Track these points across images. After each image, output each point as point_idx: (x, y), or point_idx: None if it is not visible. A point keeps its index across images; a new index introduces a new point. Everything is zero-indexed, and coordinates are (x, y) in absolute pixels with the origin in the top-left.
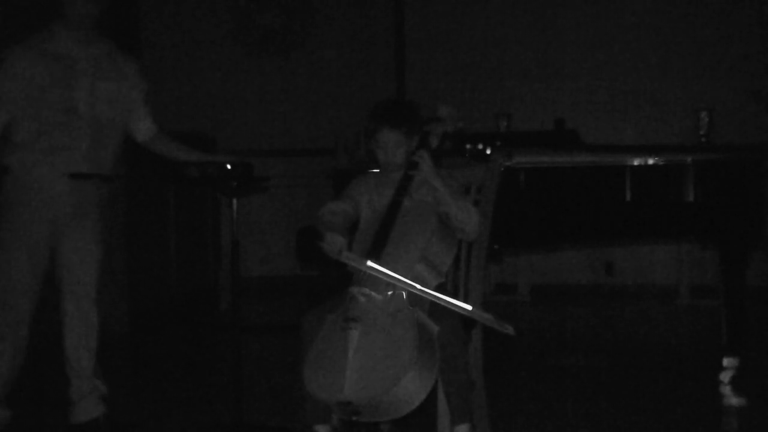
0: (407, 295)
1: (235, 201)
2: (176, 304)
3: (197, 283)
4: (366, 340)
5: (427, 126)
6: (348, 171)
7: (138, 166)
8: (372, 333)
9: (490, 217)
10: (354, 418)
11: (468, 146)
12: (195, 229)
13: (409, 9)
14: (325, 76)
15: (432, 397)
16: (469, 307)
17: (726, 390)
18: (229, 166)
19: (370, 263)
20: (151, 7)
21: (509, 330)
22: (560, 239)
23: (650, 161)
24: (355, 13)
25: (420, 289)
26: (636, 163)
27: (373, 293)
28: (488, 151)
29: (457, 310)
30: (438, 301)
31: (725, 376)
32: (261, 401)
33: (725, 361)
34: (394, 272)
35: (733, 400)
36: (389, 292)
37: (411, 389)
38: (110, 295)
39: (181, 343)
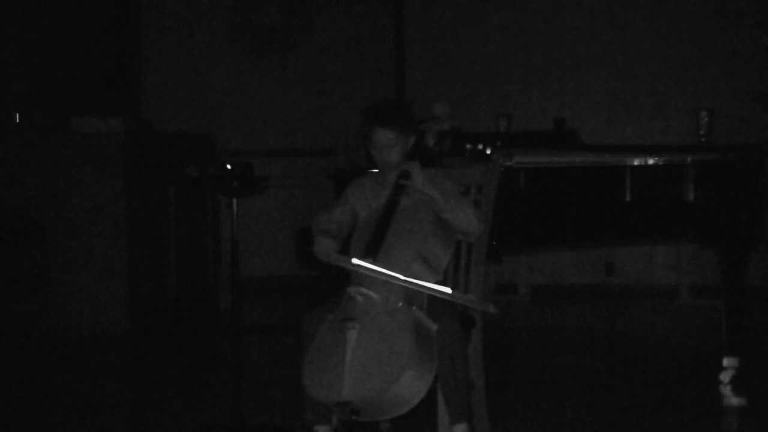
0: (405, 295)
1: (235, 201)
2: (176, 304)
3: (197, 283)
4: (364, 340)
5: (423, 125)
6: (348, 171)
7: (138, 166)
8: (370, 332)
9: (490, 217)
10: (353, 418)
11: (468, 146)
12: (195, 229)
13: (409, 9)
14: (325, 76)
15: (432, 396)
16: (448, 291)
17: (726, 390)
18: (229, 166)
19: (355, 260)
20: (151, 7)
21: (491, 308)
22: (560, 239)
23: (650, 161)
24: (355, 13)
25: (404, 279)
26: (636, 163)
27: (371, 293)
28: (488, 151)
29: (437, 295)
30: (418, 289)
31: (725, 376)
32: (261, 401)
33: (725, 361)
34: (392, 272)
35: (733, 400)
36: (387, 292)
37: (409, 388)
38: (110, 295)
39: (181, 343)
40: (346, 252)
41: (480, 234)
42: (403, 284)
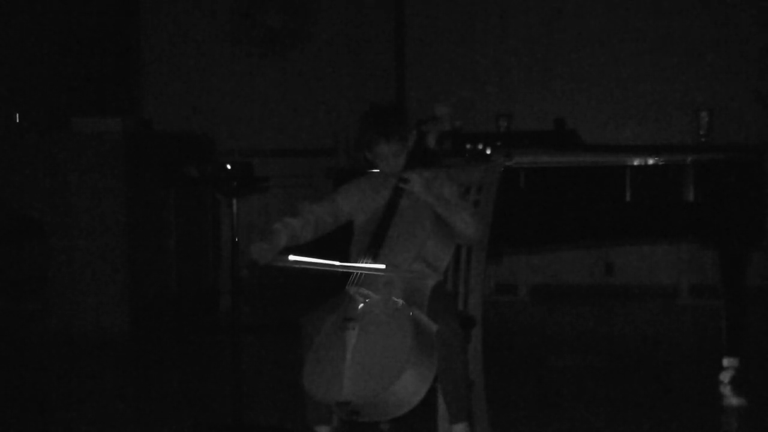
0: (405, 295)
1: (235, 201)
2: (176, 304)
3: (197, 283)
4: (364, 340)
5: (424, 126)
6: (348, 171)
7: (138, 166)
8: (370, 333)
9: (490, 217)
10: (353, 418)
11: (468, 146)
12: (195, 229)
13: (409, 9)
14: (325, 76)
15: (432, 396)
16: (382, 266)
17: (726, 390)
18: (229, 166)
19: (291, 257)
20: (151, 7)
21: (433, 277)
22: (560, 239)
23: (650, 161)
24: (355, 13)
25: (340, 265)
26: (636, 163)
27: (371, 293)
28: (488, 151)
29: (372, 272)
30: (353, 270)
31: (725, 376)
32: (261, 401)
33: (725, 361)
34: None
35: (733, 400)
36: (388, 293)
37: (409, 388)
38: (110, 295)
39: (181, 343)
40: (347, 254)
41: (477, 241)
42: (340, 269)
